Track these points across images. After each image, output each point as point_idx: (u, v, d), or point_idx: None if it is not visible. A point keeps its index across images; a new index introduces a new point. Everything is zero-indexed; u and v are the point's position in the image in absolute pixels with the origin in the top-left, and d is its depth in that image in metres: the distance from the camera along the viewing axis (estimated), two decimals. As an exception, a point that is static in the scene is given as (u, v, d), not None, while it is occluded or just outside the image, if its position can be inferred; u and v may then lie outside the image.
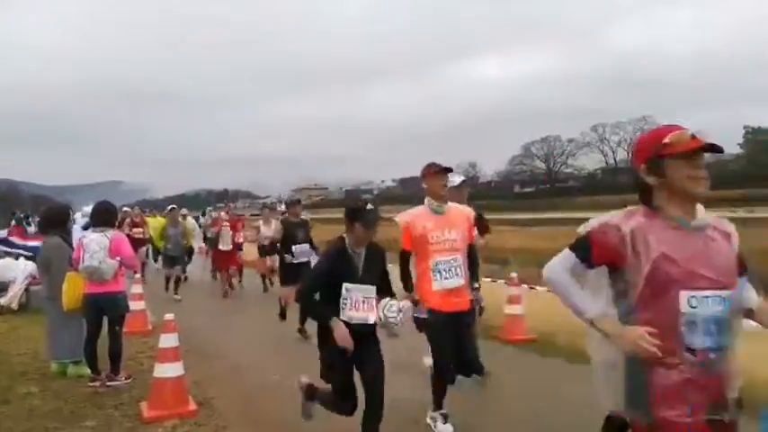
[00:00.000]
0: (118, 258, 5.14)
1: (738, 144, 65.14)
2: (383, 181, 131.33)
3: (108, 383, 5.12)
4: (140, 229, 13.25)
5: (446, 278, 3.89)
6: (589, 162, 79.34)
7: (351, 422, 4.25)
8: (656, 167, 1.97)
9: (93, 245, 5.07)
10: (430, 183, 4.03)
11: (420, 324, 3.95)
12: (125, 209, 16.66)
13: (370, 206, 3.40)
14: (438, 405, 4.01)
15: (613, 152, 77.56)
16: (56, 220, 5.74)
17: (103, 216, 5.37)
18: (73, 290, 5.14)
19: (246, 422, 4.34)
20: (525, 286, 8.09)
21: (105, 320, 5.23)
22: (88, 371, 5.29)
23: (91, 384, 5.12)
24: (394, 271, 3.84)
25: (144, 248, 13.28)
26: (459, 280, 3.93)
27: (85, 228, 6.64)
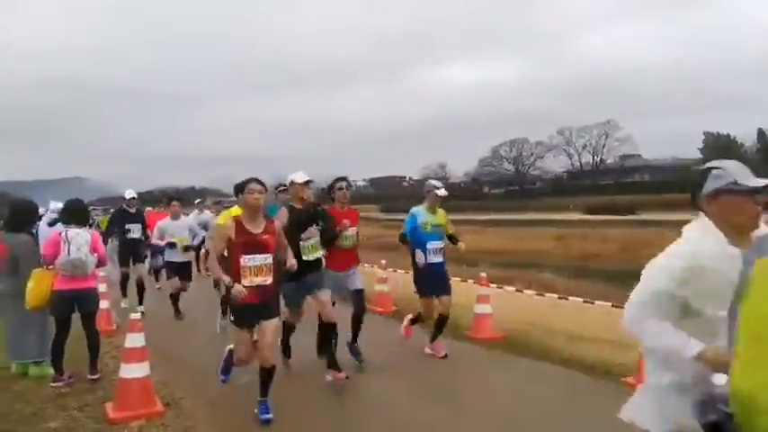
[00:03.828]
0: (95, 255, 5.20)
1: (698, 149, 67.26)
2: (354, 180, 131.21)
3: (92, 377, 5.15)
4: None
5: None
6: (556, 165, 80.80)
7: (325, 421, 4.27)
8: None
9: (79, 238, 5.09)
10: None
11: None
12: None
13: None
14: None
15: (579, 155, 79.17)
16: (26, 217, 5.61)
17: (80, 214, 5.43)
18: (39, 287, 5.04)
19: (214, 422, 4.31)
20: (494, 286, 8.22)
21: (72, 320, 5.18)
22: (50, 371, 5.17)
23: (54, 385, 5.00)
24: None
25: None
26: None
27: (51, 224, 6.51)
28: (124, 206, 8.88)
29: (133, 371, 4.33)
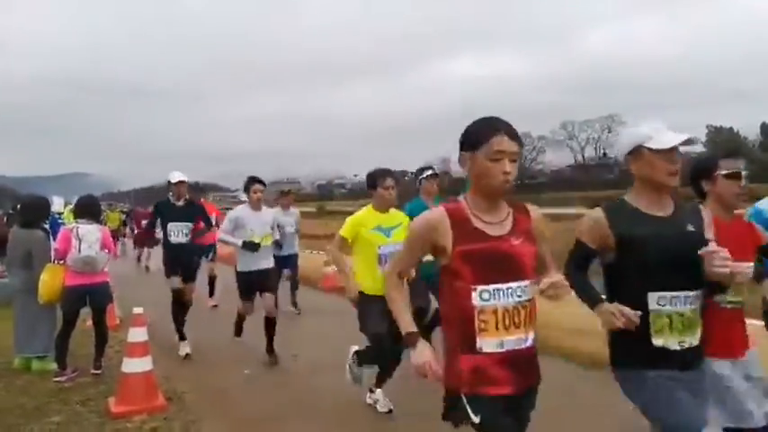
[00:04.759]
0: (106, 251, 5.25)
1: (701, 143, 67.09)
2: (356, 175, 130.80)
3: (95, 372, 5.16)
4: None
5: None
6: (559, 159, 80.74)
7: (330, 414, 4.28)
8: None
9: (90, 235, 5.13)
10: None
11: None
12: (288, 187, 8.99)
13: None
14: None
15: (582, 149, 79.09)
16: (38, 212, 5.68)
17: (93, 209, 5.54)
18: (53, 281, 5.10)
19: (217, 416, 4.32)
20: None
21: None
22: (53, 366, 5.21)
23: (56, 380, 5.03)
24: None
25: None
26: None
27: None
28: (169, 196, 6.10)
29: (136, 365, 4.34)
